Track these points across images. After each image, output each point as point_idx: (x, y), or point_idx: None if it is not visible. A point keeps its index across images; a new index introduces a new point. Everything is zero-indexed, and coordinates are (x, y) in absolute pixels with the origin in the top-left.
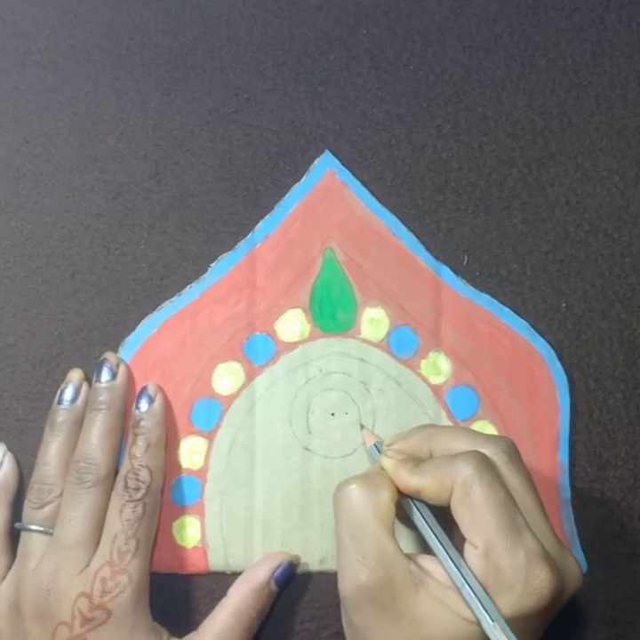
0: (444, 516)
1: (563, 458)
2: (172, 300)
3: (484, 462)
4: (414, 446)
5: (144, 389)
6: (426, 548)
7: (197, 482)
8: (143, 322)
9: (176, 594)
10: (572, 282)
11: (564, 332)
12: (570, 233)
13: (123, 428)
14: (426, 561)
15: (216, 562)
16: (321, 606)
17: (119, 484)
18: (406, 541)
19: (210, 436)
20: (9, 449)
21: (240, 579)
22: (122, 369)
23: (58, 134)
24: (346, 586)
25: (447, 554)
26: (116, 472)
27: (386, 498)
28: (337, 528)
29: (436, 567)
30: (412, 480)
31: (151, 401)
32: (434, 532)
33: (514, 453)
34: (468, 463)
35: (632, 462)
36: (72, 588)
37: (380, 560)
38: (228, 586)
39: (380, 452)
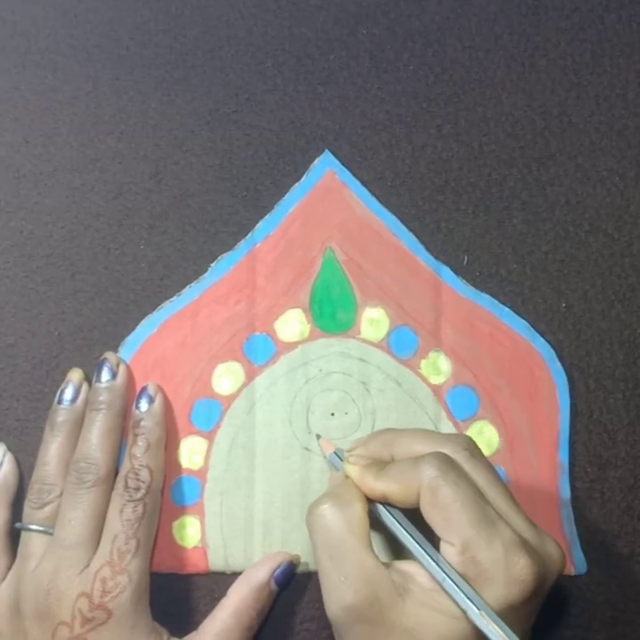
0: (416, 516)
1: (563, 458)
2: (172, 299)
3: (447, 462)
4: (375, 451)
5: (144, 389)
6: (402, 553)
7: (197, 482)
8: (143, 322)
9: (176, 594)
10: (572, 282)
11: (564, 332)
12: (570, 233)
13: (123, 428)
14: (406, 565)
15: (216, 562)
16: (321, 606)
17: (119, 484)
18: (381, 547)
19: (210, 436)
20: (9, 449)
21: (240, 579)
22: (122, 369)
23: (58, 134)
24: (332, 608)
25: (423, 551)
26: (117, 472)
27: (358, 511)
28: (315, 551)
29: (418, 569)
30: (377, 485)
31: (151, 401)
32: (407, 532)
33: (474, 449)
34: (431, 465)
35: (632, 462)
36: (72, 587)
37: (362, 577)
38: (228, 586)
39: (341, 459)
